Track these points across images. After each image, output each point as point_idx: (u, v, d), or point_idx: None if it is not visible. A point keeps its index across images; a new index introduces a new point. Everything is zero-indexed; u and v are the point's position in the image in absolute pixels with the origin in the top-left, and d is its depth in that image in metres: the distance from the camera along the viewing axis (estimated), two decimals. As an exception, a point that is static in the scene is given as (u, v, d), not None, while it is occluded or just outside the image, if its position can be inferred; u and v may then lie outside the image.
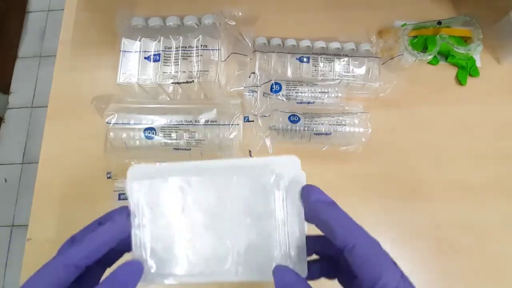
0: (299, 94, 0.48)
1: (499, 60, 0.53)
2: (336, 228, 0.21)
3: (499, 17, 0.52)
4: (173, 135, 0.45)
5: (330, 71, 0.49)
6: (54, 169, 0.49)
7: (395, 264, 0.20)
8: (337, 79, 0.49)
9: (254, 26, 0.54)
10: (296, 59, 0.50)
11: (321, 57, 0.49)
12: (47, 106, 0.52)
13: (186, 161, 0.26)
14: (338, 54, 0.50)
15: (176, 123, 0.46)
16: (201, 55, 0.47)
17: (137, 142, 0.46)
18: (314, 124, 0.45)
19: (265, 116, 0.47)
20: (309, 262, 0.24)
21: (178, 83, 0.47)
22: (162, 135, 0.45)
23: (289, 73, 0.49)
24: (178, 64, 0.47)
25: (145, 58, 0.48)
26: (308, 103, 0.48)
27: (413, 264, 0.44)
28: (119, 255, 0.26)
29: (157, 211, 0.26)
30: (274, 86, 0.48)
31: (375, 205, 0.46)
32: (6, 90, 1.39)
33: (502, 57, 0.53)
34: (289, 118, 0.46)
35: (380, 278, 0.19)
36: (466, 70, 0.52)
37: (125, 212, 0.25)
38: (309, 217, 0.24)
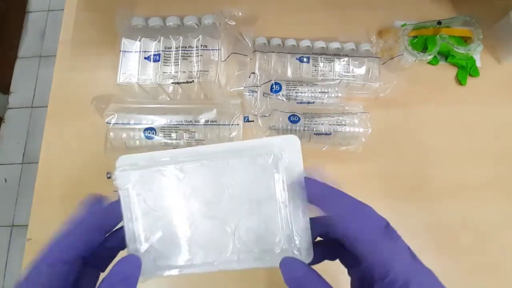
0: (299, 94, 0.48)
1: (499, 60, 0.53)
2: (339, 221, 0.21)
3: (499, 17, 0.52)
4: (173, 135, 0.45)
5: (330, 71, 0.49)
6: (54, 169, 0.49)
7: (403, 247, 0.20)
8: (337, 79, 0.49)
9: (254, 26, 0.54)
10: (296, 59, 0.50)
11: (321, 57, 0.49)
12: (47, 106, 0.52)
13: (179, 148, 0.25)
14: (338, 54, 0.50)
15: (176, 123, 0.46)
16: (201, 55, 0.47)
17: (137, 142, 0.46)
18: (314, 124, 0.45)
19: (265, 116, 0.47)
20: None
21: (178, 83, 0.47)
22: (162, 135, 0.45)
23: (289, 73, 0.49)
24: (178, 64, 0.47)
25: (145, 58, 0.48)
26: (308, 103, 0.48)
27: (413, 264, 0.44)
28: (112, 254, 0.24)
29: (150, 202, 0.24)
30: (274, 86, 0.48)
31: (375, 205, 0.46)
32: (6, 90, 1.39)
33: (502, 57, 0.53)
34: (289, 118, 0.46)
35: (389, 272, 0.19)
36: (466, 70, 0.52)
37: (92, 198, 0.24)
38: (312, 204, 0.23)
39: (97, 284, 0.22)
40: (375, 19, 0.55)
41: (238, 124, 0.46)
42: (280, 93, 0.47)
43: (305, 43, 0.50)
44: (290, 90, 0.48)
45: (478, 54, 0.52)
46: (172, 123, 0.46)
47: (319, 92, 0.48)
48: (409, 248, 0.20)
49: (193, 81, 0.46)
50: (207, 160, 0.24)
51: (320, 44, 0.50)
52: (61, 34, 0.56)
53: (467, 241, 0.46)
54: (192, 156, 0.24)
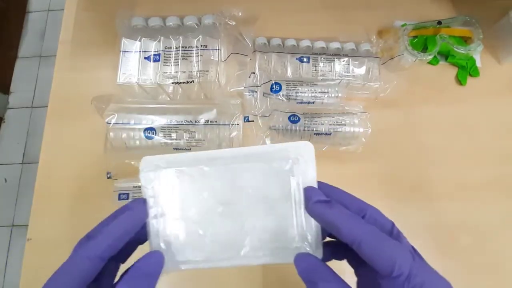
0: (299, 94, 0.48)
1: (499, 60, 0.53)
2: (341, 228, 0.22)
3: (499, 17, 0.52)
4: (173, 135, 0.45)
5: (330, 71, 0.49)
6: (54, 169, 0.49)
7: (404, 246, 0.21)
8: (337, 79, 0.49)
9: (254, 26, 0.54)
10: (296, 59, 0.50)
11: (321, 57, 0.49)
12: (47, 106, 0.52)
13: (199, 151, 0.27)
14: (338, 54, 0.50)
15: (176, 123, 0.46)
16: (201, 55, 0.47)
17: (137, 142, 0.46)
18: (314, 124, 0.45)
19: (265, 116, 0.47)
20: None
21: (178, 83, 0.47)
22: (162, 135, 0.45)
23: (289, 73, 0.49)
24: (178, 64, 0.47)
25: (145, 58, 0.48)
26: (308, 103, 0.48)
27: (413, 264, 0.44)
28: (132, 248, 0.26)
29: (172, 201, 0.26)
30: (274, 86, 0.48)
31: (375, 205, 0.46)
32: (6, 90, 1.39)
33: (502, 57, 0.53)
34: (289, 118, 0.46)
35: (393, 270, 0.19)
36: (466, 70, 0.52)
37: (141, 201, 0.25)
38: (313, 218, 0.24)
39: (118, 275, 0.23)
40: (375, 19, 0.55)
41: (238, 124, 0.46)
42: (280, 93, 0.47)
43: (305, 43, 0.50)
44: (290, 90, 0.48)
45: (478, 54, 0.52)
46: (172, 123, 0.46)
47: (319, 92, 0.48)
48: (413, 247, 0.21)
49: (193, 81, 0.46)
50: (225, 163, 0.26)
51: (320, 44, 0.50)
52: (61, 34, 0.56)
53: (467, 241, 0.46)
54: (212, 159, 0.26)
